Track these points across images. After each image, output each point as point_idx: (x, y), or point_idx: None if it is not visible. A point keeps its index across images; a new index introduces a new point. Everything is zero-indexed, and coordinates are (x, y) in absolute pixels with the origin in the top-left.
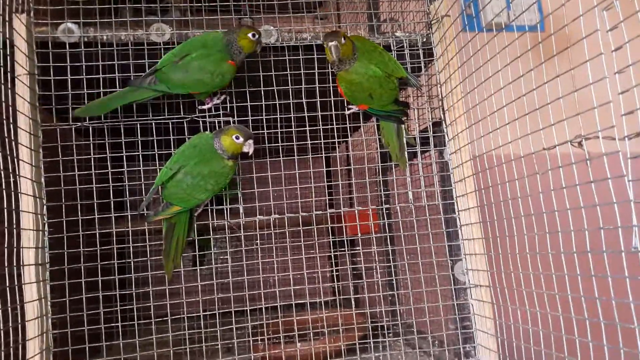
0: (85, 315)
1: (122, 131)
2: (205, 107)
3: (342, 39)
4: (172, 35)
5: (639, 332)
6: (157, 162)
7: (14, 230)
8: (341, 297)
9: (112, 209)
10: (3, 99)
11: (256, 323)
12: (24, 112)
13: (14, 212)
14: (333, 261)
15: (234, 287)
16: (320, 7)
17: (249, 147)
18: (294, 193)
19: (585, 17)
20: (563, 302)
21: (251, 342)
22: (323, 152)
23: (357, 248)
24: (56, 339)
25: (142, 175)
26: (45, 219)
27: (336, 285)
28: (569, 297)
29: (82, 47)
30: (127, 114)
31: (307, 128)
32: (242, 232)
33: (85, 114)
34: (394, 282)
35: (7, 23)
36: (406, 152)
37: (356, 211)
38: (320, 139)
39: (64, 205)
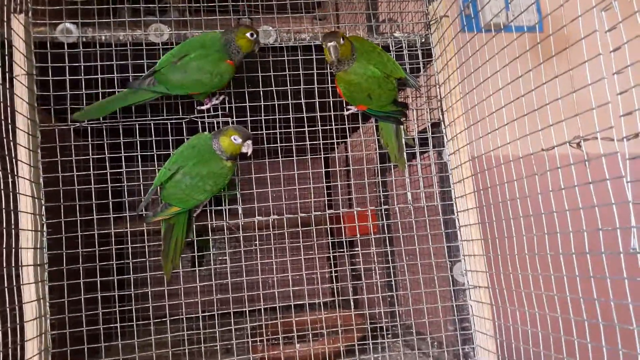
0: (84, 316)
1: (121, 132)
2: (204, 107)
3: (341, 39)
4: (171, 36)
5: (637, 333)
6: (156, 163)
7: (13, 230)
8: (340, 298)
9: (111, 210)
10: (1, 100)
11: (255, 324)
12: (23, 113)
13: (12, 212)
14: (332, 262)
15: (233, 288)
16: (319, 7)
17: (247, 148)
18: (292, 194)
19: (583, 17)
20: (562, 303)
21: (250, 343)
22: (322, 152)
23: (356, 249)
24: (55, 340)
25: (141, 176)
26: (44, 220)
27: (335, 286)
28: (567, 298)
29: (81, 48)
30: (126, 114)
31: (306, 129)
32: (241, 233)
33: (85, 117)
34: (393, 283)
35: (5, 23)
36: (405, 153)
37: (355, 212)
38: (319, 140)
39: (62, 206)
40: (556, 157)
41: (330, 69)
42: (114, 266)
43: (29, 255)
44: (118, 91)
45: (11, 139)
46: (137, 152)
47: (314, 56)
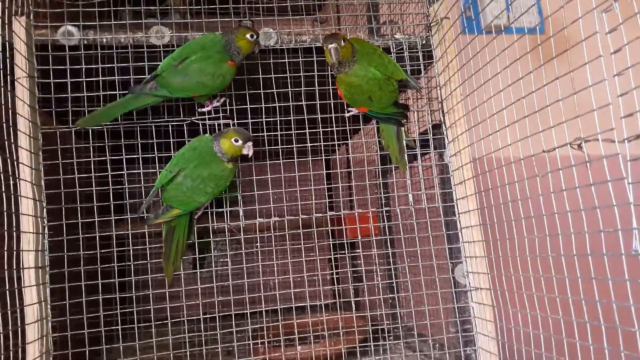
0: (85, 318)
1: (122, 134)
2: (205, 109)
3: (342, 41)
4: (172, 38)
5: (639, 335)
6: (157, 165)
7: (14, 233)
8: (341, 300)
9: (112, 212)
10: (3, 102)
11: (256, 326)
12: (24, 115)
13: (13, 214)
14: (333, 264)
15: (234, 290)
16: (320, 10)
17: (248, 150)
18: (294, 195)
19: (584, 19)
20: (564, 305)
21: (251, 345)
22: (323, 154)
23: (357, 251)
24: (56, 342)
25: (142, 178)
26: (45, 222)
27: (336, 288)
28: (569, 300)
29: (82, 50)
30: (127, 116)
31: (307, 130)
32: (242, 234)
33: (88, 123)
34: (395, 284)
35: (6, 26)
36: (406, 155)
37: (356, 214)
38: (320, 142)
39: (63, 208)
40: (557, 159)
41: (331, 71)
42: (115, 268)
43: (30, 258)
44: (120, 94)
45: (12, 141)
46: (139, 155)
47: (314, 58)
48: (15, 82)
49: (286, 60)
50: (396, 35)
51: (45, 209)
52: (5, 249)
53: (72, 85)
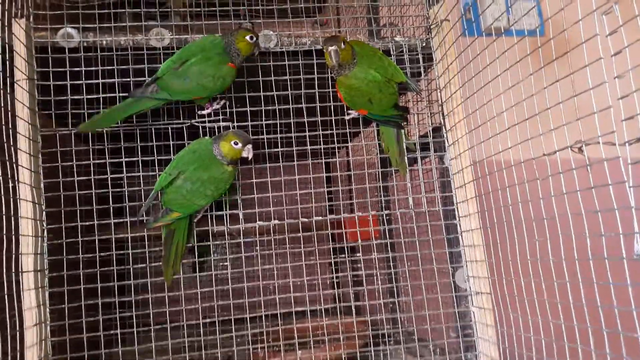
0: (84, 322)
1: (122, 136)
2: (205, 112)
3: (342, 43)
4: (172, 40)
5: None
6: (157, 168)
7: (13, 236)
8: (342, 304)
9: (112, 215)
10: (2, 104)
11: (256, 331)
12: (23, 118)
13: (12, 218)
14: (333, 268)
15: (234, 294)
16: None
17: (248, 153)
18: (293, 199)
19: (584, 21)
20: (565, 310)
21: (251, 350)
22: (323, 157)
23: (358, 254)
24: (55, 347)
25: (142, 181)
26: (45, 225)
27: (336, 292)
28: (570, 304)
29: (82, 52)
30: (127, 119)
31: (307, 133)
32: (241, 238)
33: (89, 128)
34: (395, 289)
35: (6, 28)
36: (406, 158)
37: (356, 217)
38: (320, 144)
39: (63, 211)
40: (558, 162)
41: (331, 74)
42: (115, 272)
43: (30, 261)
44: (120, 96)
45: (12, 144)
46: (138, 157)
47: (314, 60)
48: (15, 84)
49: (286, 62)
50: (396, 38)
51: (44, 212)
52: (4, 252)
53: (72, 88)
